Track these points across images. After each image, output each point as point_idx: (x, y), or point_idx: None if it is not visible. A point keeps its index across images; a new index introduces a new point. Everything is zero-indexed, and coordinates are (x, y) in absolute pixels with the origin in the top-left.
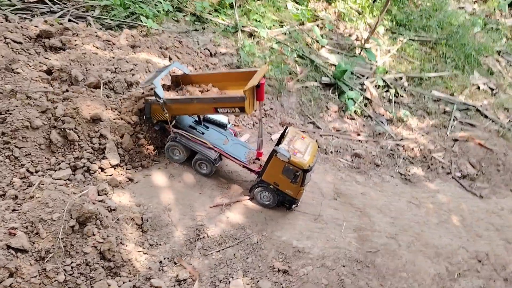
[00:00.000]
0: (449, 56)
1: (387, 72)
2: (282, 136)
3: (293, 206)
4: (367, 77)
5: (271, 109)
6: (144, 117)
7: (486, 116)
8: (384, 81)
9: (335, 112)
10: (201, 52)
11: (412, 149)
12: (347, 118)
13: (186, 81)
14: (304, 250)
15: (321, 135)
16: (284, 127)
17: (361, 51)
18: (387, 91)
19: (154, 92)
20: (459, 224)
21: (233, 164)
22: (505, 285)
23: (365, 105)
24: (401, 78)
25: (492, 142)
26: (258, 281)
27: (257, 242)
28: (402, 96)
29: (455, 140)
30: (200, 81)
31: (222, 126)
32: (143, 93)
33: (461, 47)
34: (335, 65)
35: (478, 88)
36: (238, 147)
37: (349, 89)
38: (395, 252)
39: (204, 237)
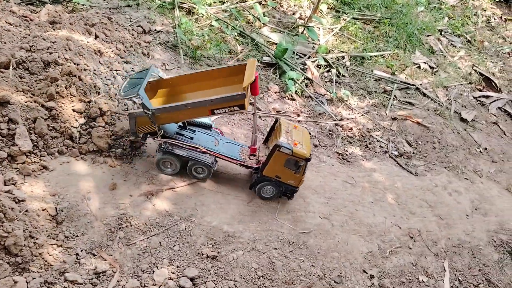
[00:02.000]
0: (391, 35)
1: (329, 51)
2: (273, 129)
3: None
4: (309, 57)
5: None
6: (130, 132)
7: (425, 95)
8: (326, 60)
9: (275, 92)
10: (133, 30)
11: (351, 128)
12: (288, 98)
13: (163, 86)
14: (234, 235)
15: (260, 117)
16: (275, 119)
17: (303, 30)
18: (328, 71)
19: (142, 104)
20: (393, 202)
21: None
22: (435, 260)
23: (306, 85)
24: (343, 57)
25: (429, 120)
26: (185, 269)
27: (185, 229)
28: (344, 76)
29: (394, 119)
30: (180, 83)
31: (207, 127)
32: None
33: (403, 26)
34: (276, 44)
35: (419, 67)
36: (229, 146)
37: (290, 69)
38: (328, 232)
39: (127, 226)
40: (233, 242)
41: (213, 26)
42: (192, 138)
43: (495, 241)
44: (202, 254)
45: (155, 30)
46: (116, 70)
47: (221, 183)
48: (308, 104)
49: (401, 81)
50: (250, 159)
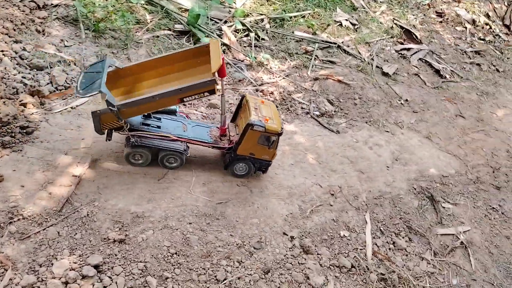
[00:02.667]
0: None
1: (247, 15)
2: (240, 106)
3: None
4: (225, 22)
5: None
6: (94, 130)
7: (347, 52)
8: (243, 24)
9: None
10: (24, 6)
11: (272, 92)
12: None
13: (121, 75)
14: (144, 215)
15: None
16: (241, 97)
17: None
18: (247, 35)
19: (106, 101)
20: (314, 162)
21: None
22: (357, 214)
23: (224, 52)
24: (262, 20)
25: (351, 77)
26: (88, 257)
27: (87, 215)
28: (264, 39)
29: (316, 79)
30: (139, 71)
31: (172, 112)
32: None
33: None
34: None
35: (341, 24)
36: (198, 129)
37: (205, 36)
38: (246, 199)
39: (19, 219)
40: (143, 222)
41: None
42: (159, 127)
43: (415, 189)
44: (109, 239)
45: (51, 4)
46: (2, 51)
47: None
48: (227, 71)
49: (322, 41)
50: (221, 139)
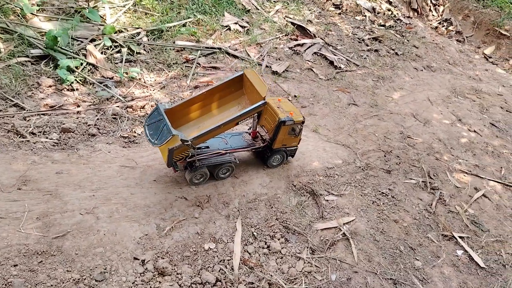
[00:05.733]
0: (195, 2)
1: (120, 31)
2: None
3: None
4: (92, 40)
5: None
6: (167, 165)
7: (234, 56)
8: (114, 41)
9: (50, 86)
10: None
11: (143, 106)
12: (67, 90)
13: (172, 112)
14: None
15: (25, 118)
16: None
17: (79, 12)
18: (119, 51)
19: (182, 140)
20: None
21: None
22: (226, 222)
23: (91, 72)
24: (138, 33)
25: None
26: None
27: None
28: (139, 53)
29: (196, 87)
30: (188, 107)
31: None
32: None
33: None
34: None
35: (230, 29)
36: (234, 139)
37: (68, 58)
38: (91, 227)
39: None
40: None
41: None
42: (208, 147)
43: (294, 186)
44: None
45: None
46: None
47: None
48: (94, 91)
49: (205, 47)
50: (255, 141)
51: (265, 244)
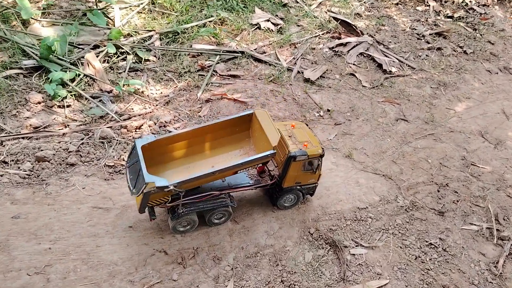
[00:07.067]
0: None
1: (130, 34)
2: None
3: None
4: (96, 46)
5: None
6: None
7: (260, 61)
8: (120, 47)
9: (39, 103)
10: None
11: (139, 127)
12: (58, 107)
13: (156, 146)
14: None
15: (1, 142)
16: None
17: (84, 15)
18: (124, 59)
19: (158, 187)
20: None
21: None
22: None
23: (89, 84)
24: (150, 37)
25: (251, 92)
26: None
27: None
28: (148, 61)
29: (208, 101)
30: (178, 140)
31: None
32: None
33: None
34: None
35: (259, 27)
36: (237, 175)
37: (63, 69)
38: None
39: None
40: None
41: None
42: (198, 187)
43: (311, 234)
44: None
45: None
46: None
47: None
48: (88, 107)
49: (226, 51)
50: (261, 177)
51: None
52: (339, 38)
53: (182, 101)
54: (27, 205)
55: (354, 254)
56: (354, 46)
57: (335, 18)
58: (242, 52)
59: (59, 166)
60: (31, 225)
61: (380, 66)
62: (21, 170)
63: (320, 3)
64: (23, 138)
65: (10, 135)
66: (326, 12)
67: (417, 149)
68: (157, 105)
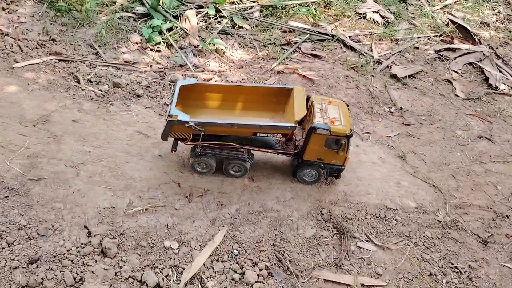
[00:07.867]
0: None
1: (234, 2)
2: (307, 109)
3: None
4: (200, 6)
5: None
6: (161, 137)
7: (350, 47)
8: (220, 11)
9: (136, 43)
10: None
11: (208, 80)
12: (150, 50)
13: (195, 89)
14: None
15: (94, 66)
16: (306, 97)
17: None
18: (220, 21)
19: (179, 121)
20: None
21: None
22: (209, 225)
23: (182, 37)
24: (251, 7)
25: (325, 73)
26: None
27: None
28: (241, 27)
29: (280, 72)
30: (217, 91)
31: None
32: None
33: None
34: None
35: (365, 17)
36: (265, 138)
37: (163, 19)
38: (66, 181)
39: None
40: None
41: None
42: (224, 136)
43: (322, 214)
44: None
45: None
46: None
47: None
48: (176, 55)
49: (317, 32)
50: (287, 145)
51: (240, 269)
52: (451, 43)
53: (256, 68)
54: (88, 115)
55: (360, 247)
56: (464, 54)
57: (453, 22)
58: (332, 36)
59: (128, 94)
60: (84, 130)
61: (486, 79)
62: (99, 89)
63: (447, 5)
64: (112, 66)
65: (103, 62)
66: (444, 14)
67: (490, 172)
68: (231, 66)
